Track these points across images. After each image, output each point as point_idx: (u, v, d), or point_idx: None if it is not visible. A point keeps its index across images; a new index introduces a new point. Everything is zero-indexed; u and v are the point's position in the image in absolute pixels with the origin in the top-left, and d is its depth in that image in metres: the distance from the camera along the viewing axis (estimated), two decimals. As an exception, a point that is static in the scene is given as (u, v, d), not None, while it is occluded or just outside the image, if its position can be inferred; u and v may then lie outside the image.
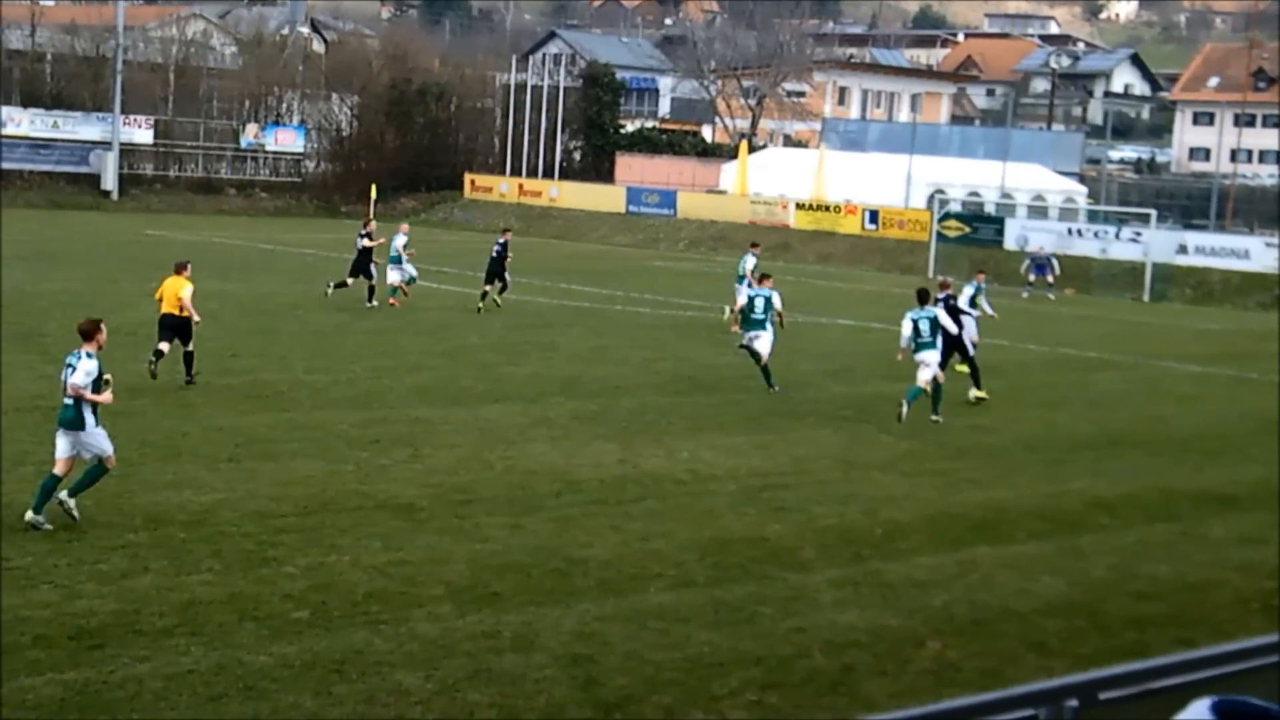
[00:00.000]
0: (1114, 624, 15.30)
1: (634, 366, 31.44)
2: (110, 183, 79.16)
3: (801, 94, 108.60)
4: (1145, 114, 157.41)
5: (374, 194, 79.99)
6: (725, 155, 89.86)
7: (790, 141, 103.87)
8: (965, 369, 29.94)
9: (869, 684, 13.10)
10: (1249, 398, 32.35)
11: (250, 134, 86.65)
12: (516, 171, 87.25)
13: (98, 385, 16.83)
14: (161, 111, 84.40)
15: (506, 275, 40.83)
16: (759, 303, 30.03)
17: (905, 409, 25.80)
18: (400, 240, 39.89)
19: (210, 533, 16.49)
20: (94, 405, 16.81)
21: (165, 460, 19.98)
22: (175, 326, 26.66)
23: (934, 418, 26.24)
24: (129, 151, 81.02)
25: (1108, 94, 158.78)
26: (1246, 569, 17.75)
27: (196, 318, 26.83)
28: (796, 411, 27.07)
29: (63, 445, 16.74)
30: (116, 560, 15.21)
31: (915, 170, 73.39)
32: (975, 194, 74.00)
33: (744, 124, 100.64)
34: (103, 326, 17.71)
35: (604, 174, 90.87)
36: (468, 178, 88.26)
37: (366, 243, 39.68)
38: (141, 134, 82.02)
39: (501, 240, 41.46)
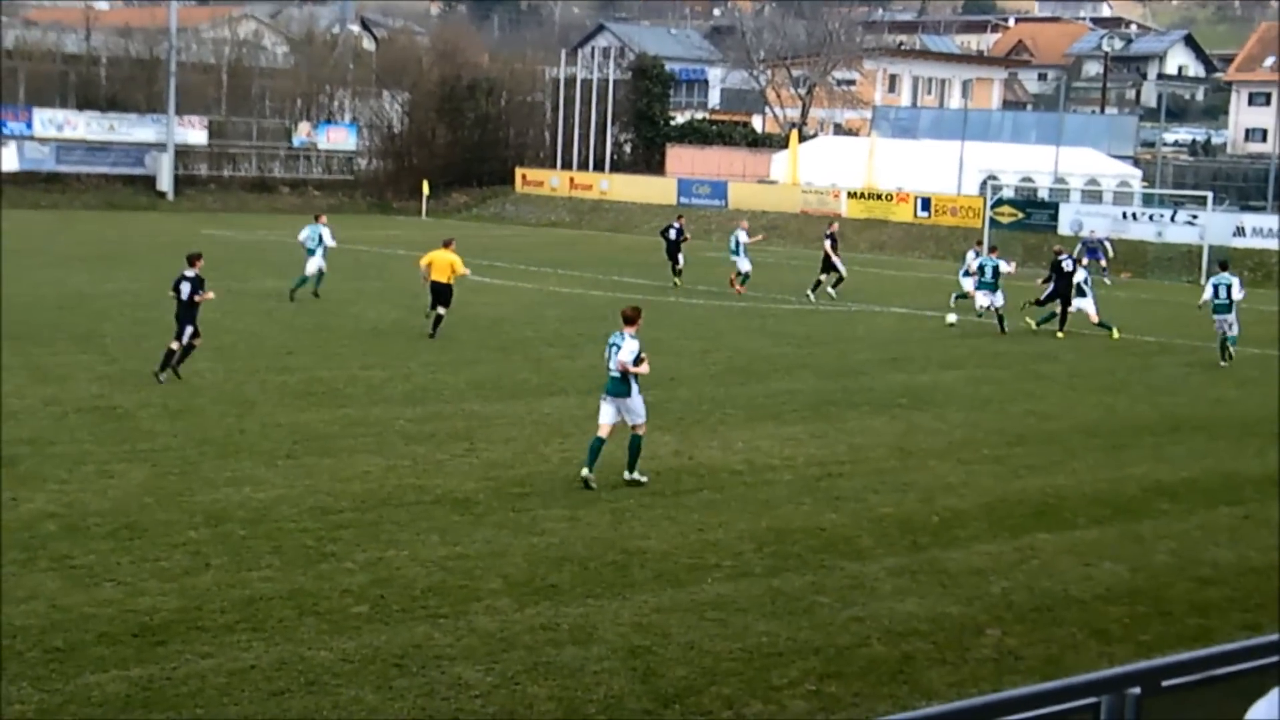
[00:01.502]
0: (1177, 610, 15.19)
1: (688, 358, 31.43)
2: (166, 184, 79.72)
3: (852, 82, 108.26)
4: (1200, 95, 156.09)
5: (426, 190, 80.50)
6: (776, 145, 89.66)
7: (841, 130, 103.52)
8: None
9: (929, 673, 13.06)
10: (1309, 380, 32.06)
11: (303, 132, 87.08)
12: (567, 165, 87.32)
13: (637, 360, 19.36)
14: (215, 112, 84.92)
15: (680, 255, 47.65)
16: (988, 269, 38.86)
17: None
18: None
19: (270, 529, 16.59)
20: (636, 377, 19.44)
21: (224, 458, 20.11)
22: (441, 291, 32.60)
23: None
24: (183, 152, 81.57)
25: (1161, 76, 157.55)
26: (1309, 552, 17.59)
27: (467, 271, 33.64)
28: (852, 400, 27.00)
29: (608, 412, 19.52)
30: (178, 557, 15.32)
31: (967, 156, 73.02)
32: (1028, 179, 73.59)
33: (794, 113, 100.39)
34: (640, 311, 20.26)
35: (654, 166, 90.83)
36: (519, 172, 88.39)
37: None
38: (195, 135, 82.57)
39: (676, 224, 48.46)
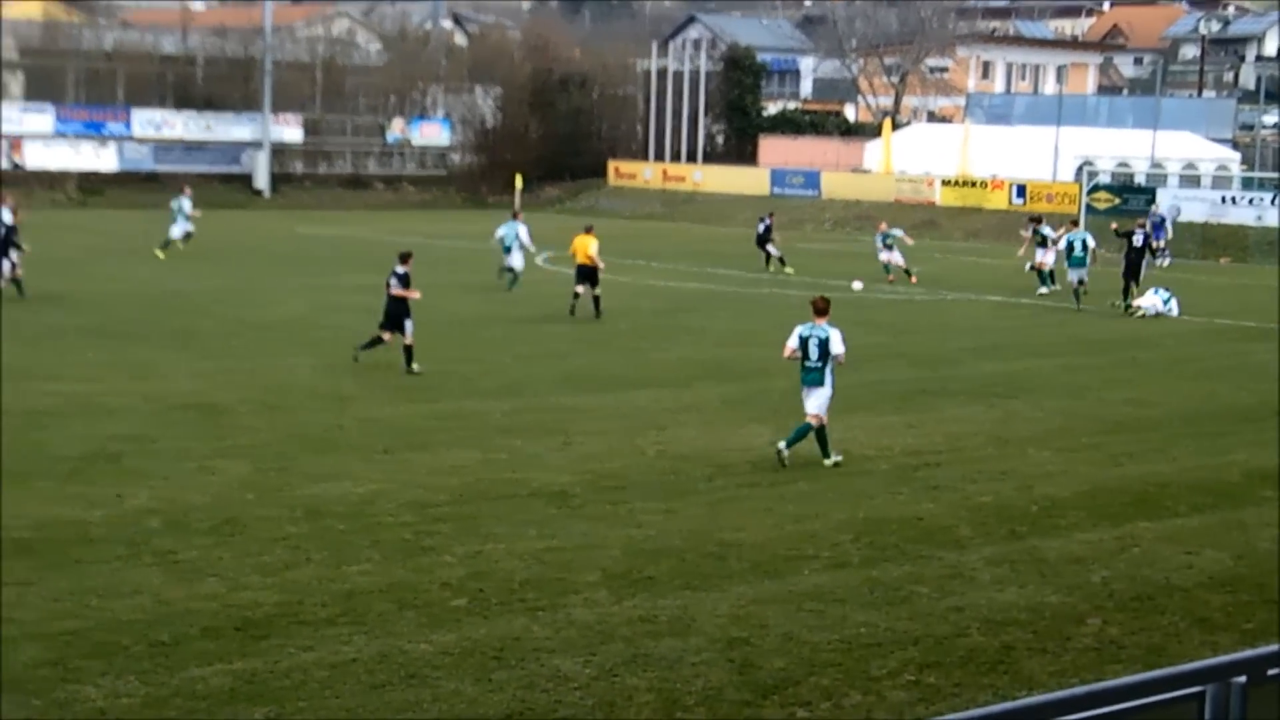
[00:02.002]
0: (1281, 598, 14.98)
1: (782, 348, 31.30)
2: (262, 182, 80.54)
3: (944, 69, 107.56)
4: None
5: (519, 184, 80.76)
6: (868, 134, 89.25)
7: (934, 118, 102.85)
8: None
9: (1029, 662, 12.96)
10: None
11: (396, 129, 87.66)
12: (660, 157, 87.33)
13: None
14: (310, 110, 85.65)
15: (769, 247, 49.55)
16: (1077, 244, 40.43)
17: None
18: (515, 228, 41.21)
19: (368, 523, 16.71)
20: (833, 369, 20.16)
21: (321, 453, 20.27)
22: (588, 273, 35.23)
23: None
24: (279, 150, 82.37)
25: (1260, 58, 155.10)
26: None
27: (602, 265, 35.75)
28: (948, 389, 26.84)
29: (810, 401, 20.16)
30: (278, 552, 15.46)
31: (1062, 142, 72.36)
32: (1125, 164, 72.79)
33: (887, 102, 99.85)
34: (830, 302, 20.82)
35: (747, 157, 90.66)
36: (611, 165, 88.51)
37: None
38: (291, 132, 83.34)
39: (766, 220, 50.38)
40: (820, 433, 20.24)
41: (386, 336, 27.40)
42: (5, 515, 16.48)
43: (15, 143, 74.46)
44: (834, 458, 20.28)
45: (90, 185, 75.99)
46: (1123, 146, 74.91)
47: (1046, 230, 44.03)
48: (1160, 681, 5.55)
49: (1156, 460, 21.32)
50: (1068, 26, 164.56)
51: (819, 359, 20.12)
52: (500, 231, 41.69)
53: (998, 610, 14.26)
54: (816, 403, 20.18)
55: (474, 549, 15.80)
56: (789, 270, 47.75)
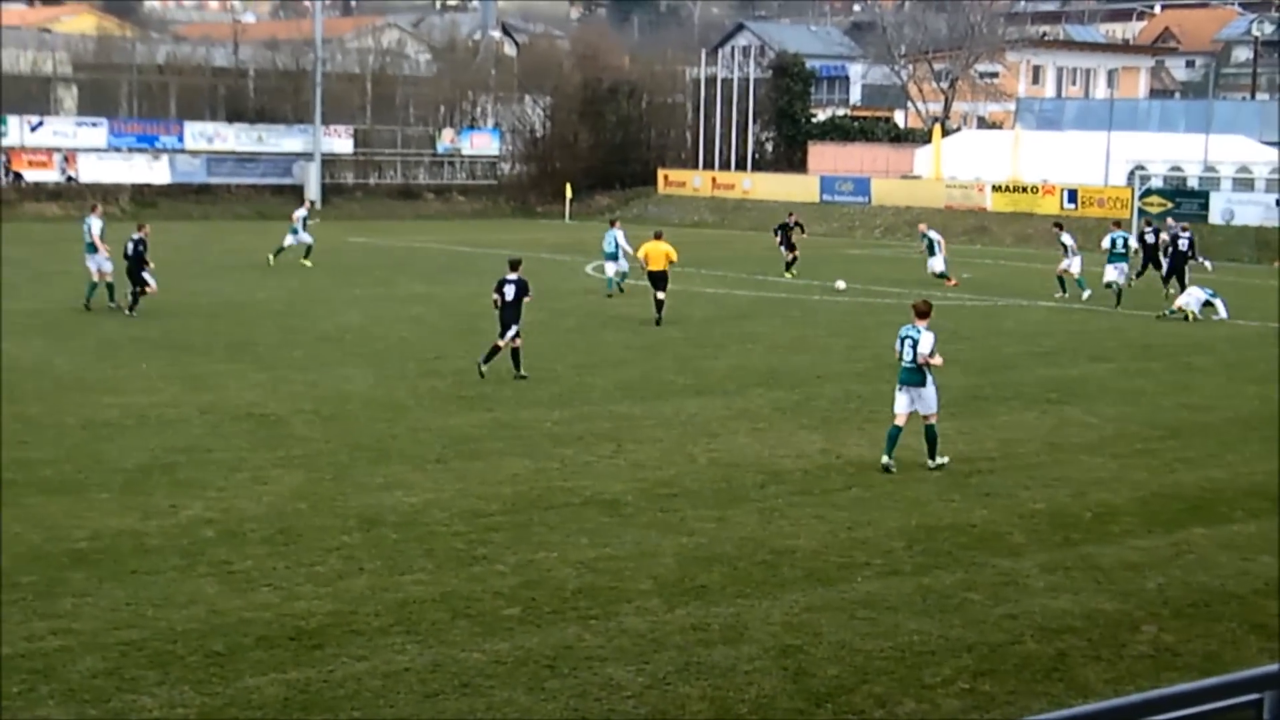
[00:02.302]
0: (1339, 604, 14.86)
1: (835, 355, 31.31)
2: (313, 192, 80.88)
3: (994, 75, 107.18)
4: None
5: (569, 193, 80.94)
6: (918, 140, 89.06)
7: (984, 123, 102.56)
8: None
9: (1084, 669, 12.90)
10: None
11: (446, 139, 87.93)
12: (709, 165, 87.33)
13: (932, 352, 20.30)
14: (360, 121, 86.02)
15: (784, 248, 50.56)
16: (1119, 242, 41.70)
17: None
18: (614, 235, 42.69)
19: (421, 532, 16.76)
20: (931, 368, 20.43)
21: (376, 462, 20.35)
22: (660, 278, 36.11)
23: None
24: (330, 161, 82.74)
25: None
26: None
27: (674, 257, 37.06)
28: (1001, 395, 26.74)
29: (903, 401, 20.51)
30: (332, 562, 15.54)
31: (1114, 147, 72.00)
32: (1177, 169, 72.33)
33: (936, 108, 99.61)
34: (931, 305, 21.13)
35: (796, 164, 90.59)
36: (661, 173, 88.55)
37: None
38: (341, 144, 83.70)
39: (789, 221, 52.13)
40: (930, 431, 20.62)
41: (501, 343, 27.82)
42: (64, 526, 16.63)
43: (70, 156, 75.07)
44: (940, 459, 20.65)
45: (143, 198, 76.51)
46: (1175, 150, 74.44)
47: (1066, 238, 43.92)
48: (1217, 689, 5.51)
49: (1212, 466, 21.19)
50: (1119, 30, 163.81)
51: (913, 359, 20.44)
52: (605, 239, 43.53)
53: (1052, 617, 14.20)
54: (924, 403, 20.54)
55: (527, 558, 15.84)
56: (790, 274, 48.61)
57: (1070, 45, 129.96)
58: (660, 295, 36.02)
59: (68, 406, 23.89)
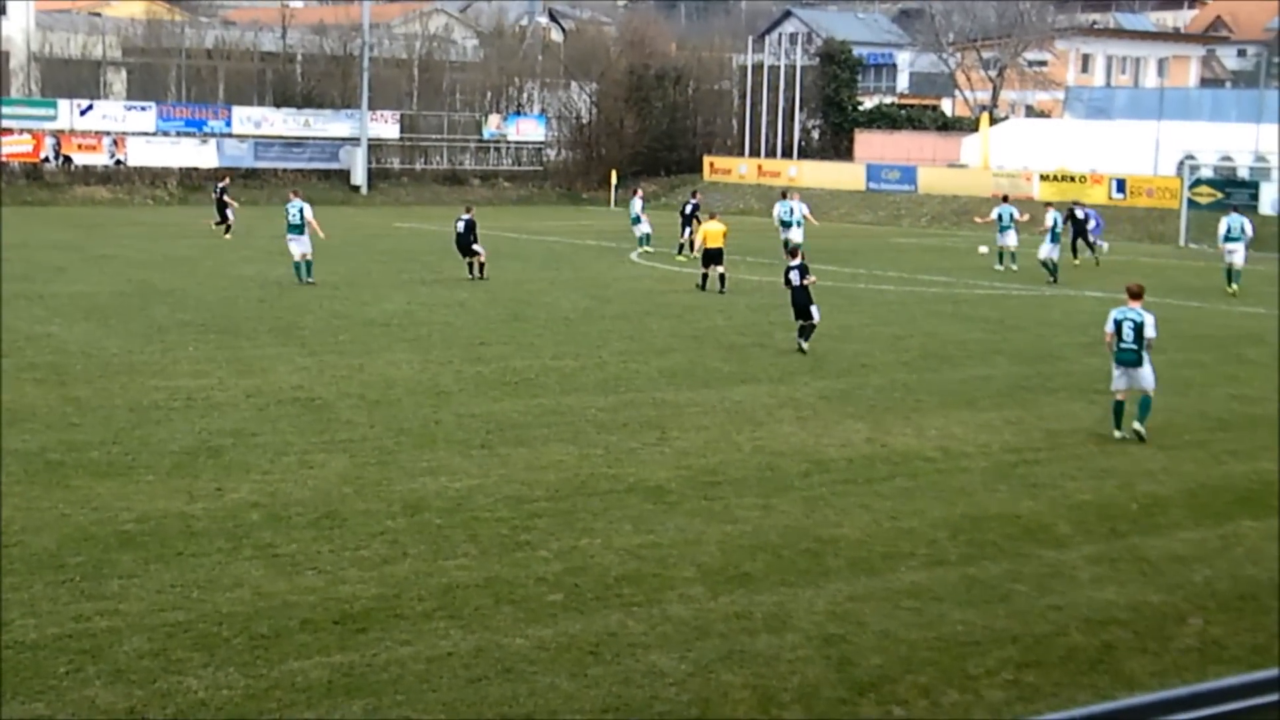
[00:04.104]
0: (1388, 598, 14.73)
1: (881, 344, 31.21)
2: (360, 178, 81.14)
3: (1043, 63, 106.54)
4: None
5: (614, 179, 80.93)
6: (966, 128, 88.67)
7: (1032, 112, 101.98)
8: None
9: (1130, 662, 12.83)
10: None
11: (493, 125, 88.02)
12: (755, 152, 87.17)
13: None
14: (406, 106, 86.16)
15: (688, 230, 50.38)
16: (1058, 221, 44.83)
17: None
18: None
19: (466, 518, 16.79)
20: (1148, 347, 21.70)
21: (421, 448, 20.40)
22: (715, 255, 40.44)
23: None
24: (376, 146, 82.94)
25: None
26: None
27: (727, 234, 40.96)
28: (1048, 385, 26.61)
29: (1123, 379, 21.82)
30: (377, 546, 15.58)
31: (1163, 136, 71.52)
32: (1228, 159, 71.74)
33: (984, 96, 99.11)
34: (1144, 287, 22.53)
35: (843, 152, 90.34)
36: (707, 160, 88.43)
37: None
38: (388, 129, 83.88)
39: (693, 201, 53.02)
40: (1146, 402, 21.78)
41: (804, 321, 29.90)
42: (112, 508, 16.73)
43: (119, 140, 75.48)
44: (1139, 429, 21.67)
45: (191, 182, 76.95)
46: (1225, 140, 73.80)
47: (1005, 210, 48.75)
48: (1266, 682, 5.46)
49: (1261, 458, 21.03)
50: (1169, 18, 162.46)
51: (1134, 340, 21.65)
52: (778, 210, 50.35)
53: (1098, 609, 14.13)
54: (1145, 380, 21.72)
55: (570, 544, 15.85)
56: (682, 257, 48.76)
57: (1120, 33, 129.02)
58: (720, 269, 40.34)
59: (115, 389, 24.04)
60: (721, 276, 40.49)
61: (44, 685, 11.69)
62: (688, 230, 49.57)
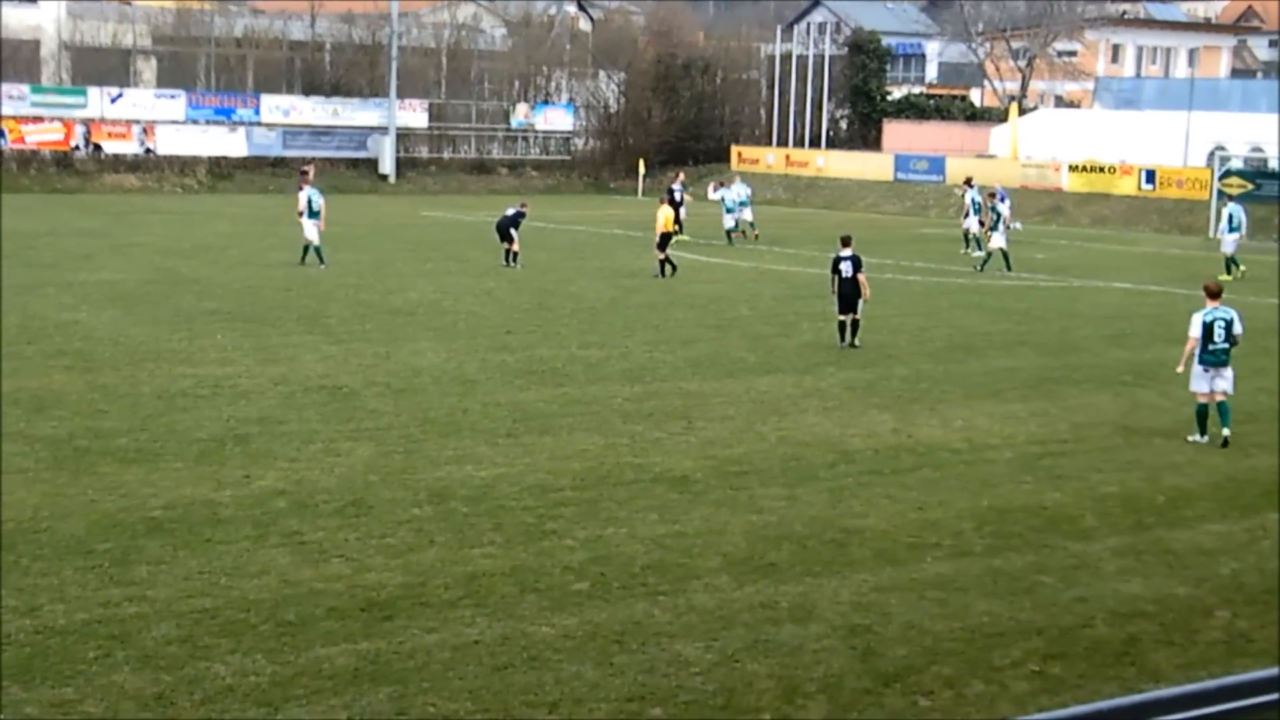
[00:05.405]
0: None
1: (907, 335, 31.18)
2: (388, 166, 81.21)
3: (1073, 53, 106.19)
4: None
5: (642, 169, 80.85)
6: (994, 119, 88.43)
7: (1062, 102, 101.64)
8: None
9: (1156, 655, 12.82)
10: None
11: (520, 114, 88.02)
12: (783, 142, 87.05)
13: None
14: (435, 95, 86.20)
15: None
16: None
17: None
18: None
19: (491, 506, 16.84)
20: (1237, 343, 21.25)
21: (446, 436, 20.45)
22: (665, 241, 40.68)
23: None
24: (404, 135, 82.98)
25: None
26: None
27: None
28: (1074, 377, 26.55)
29: (1205, 383, 21.27)
30: (403, 534, 15.63)
31: (1194, 127, 71.21)
32: (1258, 149, 71.44)
33: (1013, 86, 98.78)
34: (1223, 286, 22.17)
35: (871, 142, 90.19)
36: (734, 150, 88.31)
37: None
38: (416, 118, 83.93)
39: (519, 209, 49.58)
40: (1226, 406, 21.28)
41: (843, 316, 29.43)
42: (139, 495, 16.82)
43: (148, 128, 75.71)
44: (1227, 434, 21.17)
45: (220, 170, 77.12)
46: (1256, 131, 73.44)
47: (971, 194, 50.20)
48: (1265, 683, 5.46)
49: (1288, 451, 20.96)
50: (1200, 9, 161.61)
51: (1225, 339, 21.16)
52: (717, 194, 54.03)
53: (1123, 601, 14.11)
54: (1228, 382, 21.30)
55: (596, 533, 15.88)
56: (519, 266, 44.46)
57: (1150, 24, 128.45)
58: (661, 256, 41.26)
59: (143, 376, 24.15)
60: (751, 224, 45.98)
61: (73, 670, 11.77)
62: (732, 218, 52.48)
